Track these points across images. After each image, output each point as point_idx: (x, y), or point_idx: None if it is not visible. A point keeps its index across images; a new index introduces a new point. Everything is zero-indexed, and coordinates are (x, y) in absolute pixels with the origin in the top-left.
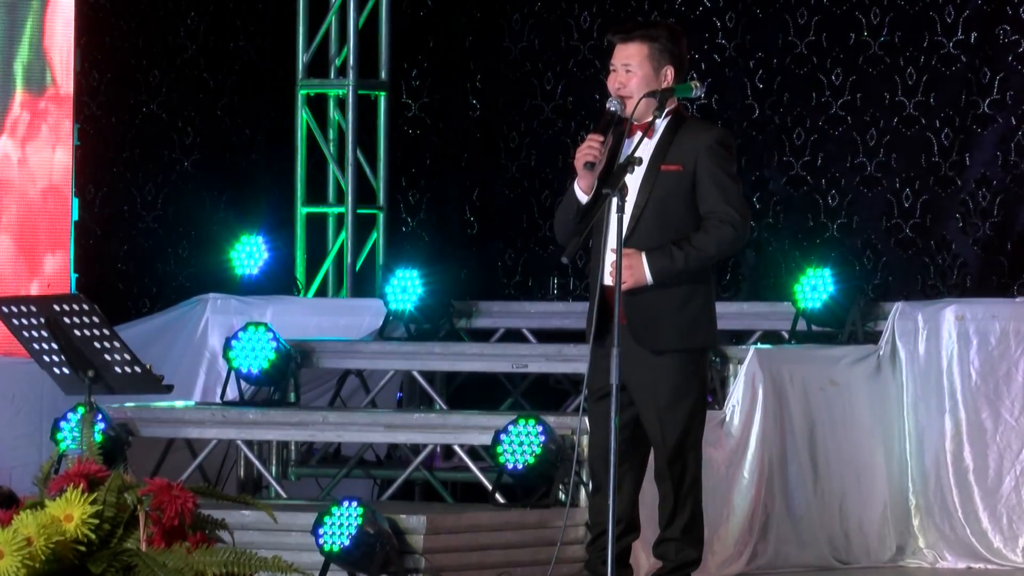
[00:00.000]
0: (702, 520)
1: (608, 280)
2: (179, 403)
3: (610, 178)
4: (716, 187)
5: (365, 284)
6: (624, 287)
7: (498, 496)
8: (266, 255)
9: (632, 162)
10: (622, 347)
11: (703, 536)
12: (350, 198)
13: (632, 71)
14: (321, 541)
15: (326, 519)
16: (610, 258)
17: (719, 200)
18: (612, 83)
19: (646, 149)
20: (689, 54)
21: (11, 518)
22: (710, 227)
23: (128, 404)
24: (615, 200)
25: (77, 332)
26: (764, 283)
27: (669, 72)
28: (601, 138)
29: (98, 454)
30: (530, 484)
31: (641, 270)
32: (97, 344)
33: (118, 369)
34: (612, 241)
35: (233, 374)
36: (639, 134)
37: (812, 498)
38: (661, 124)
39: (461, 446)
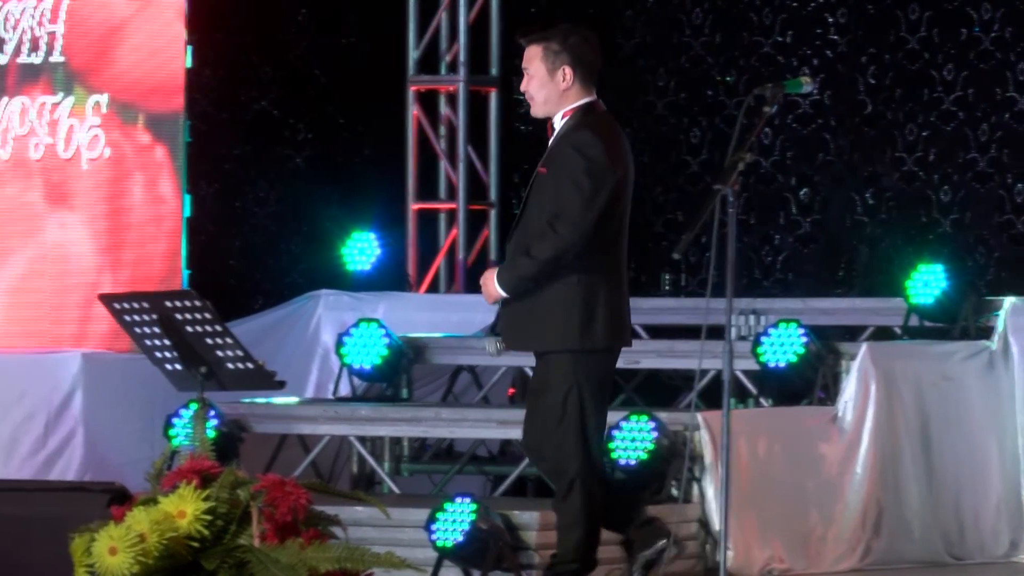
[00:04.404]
0: None
1: None
2: (292, 399)
3: (720, 173)
4: (559, 193)
5: (477, 281)
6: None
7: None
8: (378, 251)
9: (742, 158)
10: None
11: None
12: (462, 194)
13: (530, 75)
14: (434, 537)
15: (439, 515)
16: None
17: (555, 205)
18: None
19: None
20: (595, 52)
21: (124, 514)
22: (542, 233)
23: (241, 400)
24: (729, 196)
25: (189, 328)
26: (876, 279)
27: (566, 72)
28: None
29: (211, 450)
30: (642, 480)
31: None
32: (209, 340)
33: (230, 365)
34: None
35: (345, 370)
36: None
37: (926, 494)
38: (559, 124)
39: None
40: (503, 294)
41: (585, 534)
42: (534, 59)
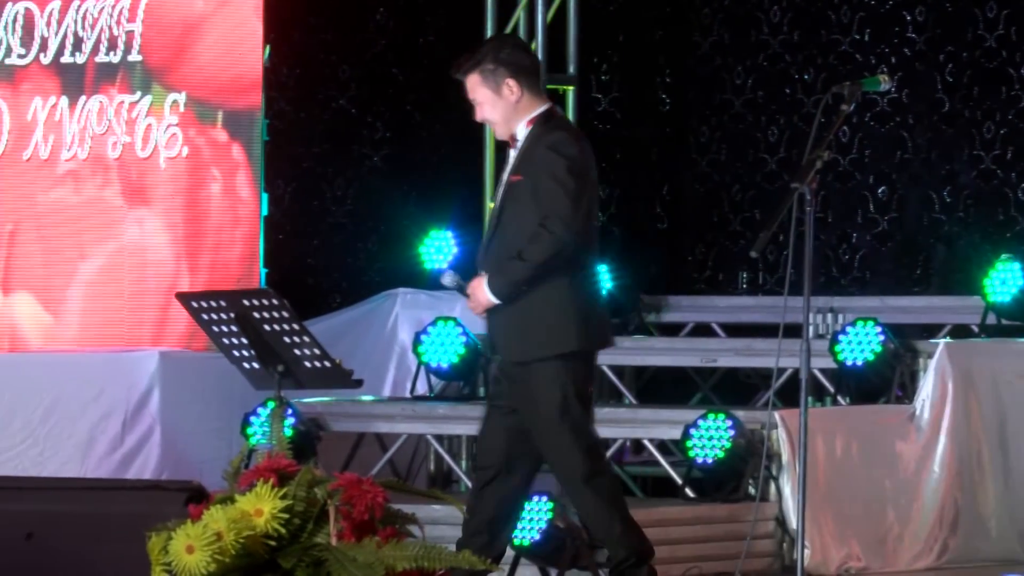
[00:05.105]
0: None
1: None
2: (369, 398)
3: (798, 171)
4: (544, 193)
5: None
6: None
7: (688, 490)
8: (455, 249)
9: (820, 156)
10: None
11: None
12: None
13: (479, 102)
14: (511, 536)
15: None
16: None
17: (543, 207)
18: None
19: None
20: (530, 55)
21: (201, 513)
22: (534, 235)
23: (318, 399)
24: (807, 195)
25: (267, 327)
26: (954, 277)
27: (511, 84)
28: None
29: (288, 449)
30: (720, 478)
31: (483, 293)
32: (287, 339)
33: (308, 364)
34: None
35: (423, 368)
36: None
37: (1002, 492)
38: (523, 134)
39: (651, 440)
40: (495, 301)
41: (622, 527)
42: (476, 86)
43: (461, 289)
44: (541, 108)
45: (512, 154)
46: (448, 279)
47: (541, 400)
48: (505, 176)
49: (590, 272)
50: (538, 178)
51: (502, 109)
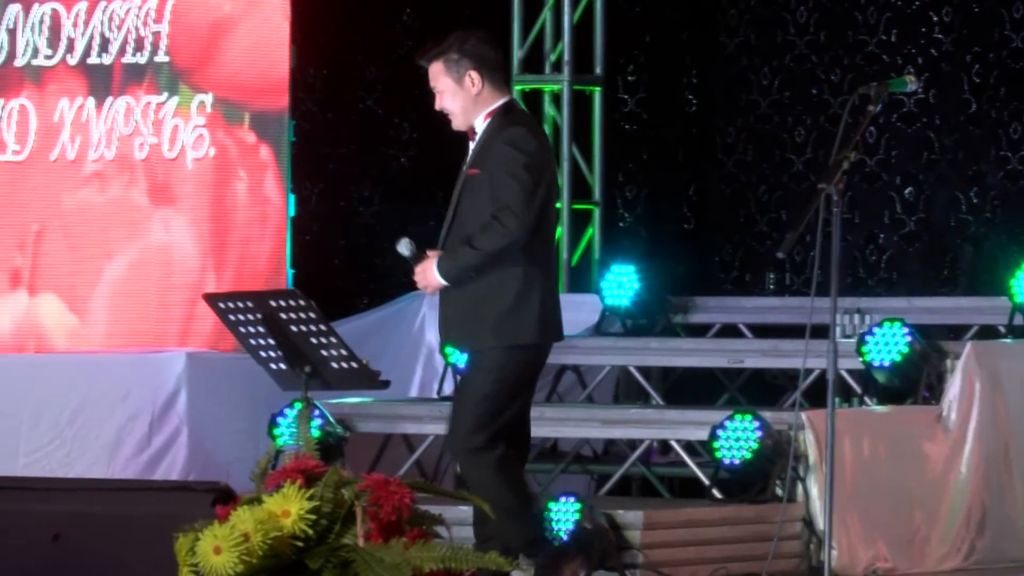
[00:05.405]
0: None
1: None
2: (396, 398)
3: (825, 172)
4: (499, 187)
5: (581, 280)
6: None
7: (715, 491)
8: None
9: (847, 157)
10: None
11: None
12: (566, 193)
13: (440, 91)
14: None
15: (544, 515)
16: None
17: (497, 200)
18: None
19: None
20: (495, 50)
21: (228, 514)
22: (486, 225)
23: (345, 400)
24: (834, 195)
25: (294, 328)
26: (981, 277)
27: (473, 76)
28: None
29: (315, 450)
30: (747, 479)
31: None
32: (314, 340)
33: (335, 365)
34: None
35: (450, 369)
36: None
37: None
38: (481, 127)
39: (678, 441)
40: (443, 283)
41: (514, 507)
42: (439, 75)
43: (416, 259)
44: (500, 101)
45: (471, 147)
46: (404, 246)
47: (476, 376)
48: (464, 169)
49: (546, 266)
50: (495, 172)
51: (462, 100)
